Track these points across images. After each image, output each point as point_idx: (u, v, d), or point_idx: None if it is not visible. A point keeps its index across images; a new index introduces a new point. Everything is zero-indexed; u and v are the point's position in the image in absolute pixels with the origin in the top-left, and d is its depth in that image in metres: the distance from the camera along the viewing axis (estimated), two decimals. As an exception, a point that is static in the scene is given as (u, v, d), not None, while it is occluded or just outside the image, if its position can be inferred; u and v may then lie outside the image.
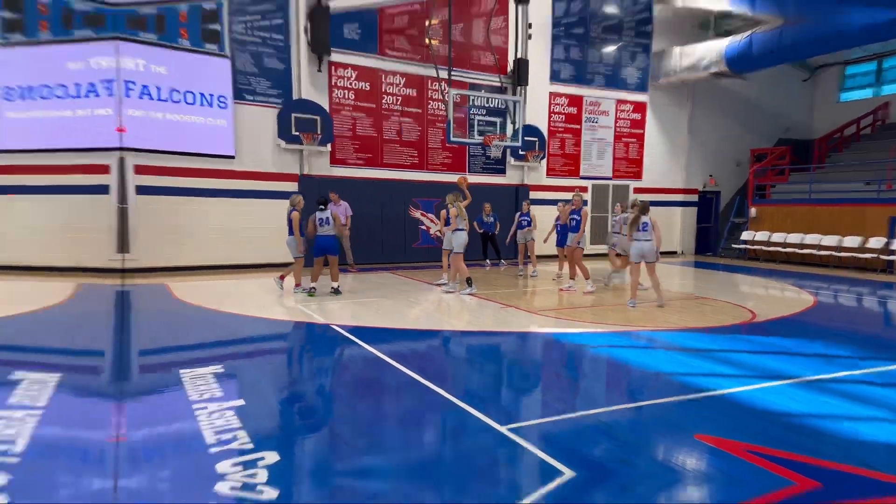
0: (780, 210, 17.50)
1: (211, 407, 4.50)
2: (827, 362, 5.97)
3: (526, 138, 15.93)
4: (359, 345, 6.57)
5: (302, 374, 5.94)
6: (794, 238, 16.71)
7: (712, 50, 16.88)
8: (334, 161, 14.66)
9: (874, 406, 4.61)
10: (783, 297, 10.72)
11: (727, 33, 17.43)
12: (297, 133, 13.72)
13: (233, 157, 13.55)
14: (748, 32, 16.05)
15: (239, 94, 13.58)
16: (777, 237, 17.19)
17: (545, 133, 17.11)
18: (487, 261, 14.72)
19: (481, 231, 14.54)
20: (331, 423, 4.42)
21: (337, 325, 7.56)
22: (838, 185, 17.11)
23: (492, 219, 14.46)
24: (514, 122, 14.96)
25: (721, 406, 4.53)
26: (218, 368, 5.55)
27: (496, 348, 6.92)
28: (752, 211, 18.21)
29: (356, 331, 7.28)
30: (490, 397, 5.04)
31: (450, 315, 8.75)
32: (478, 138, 14.58)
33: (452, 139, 14.18)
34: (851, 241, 15.36)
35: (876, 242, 14.85)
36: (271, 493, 3.19)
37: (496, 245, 14.64)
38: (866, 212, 15.27)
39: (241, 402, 4.64)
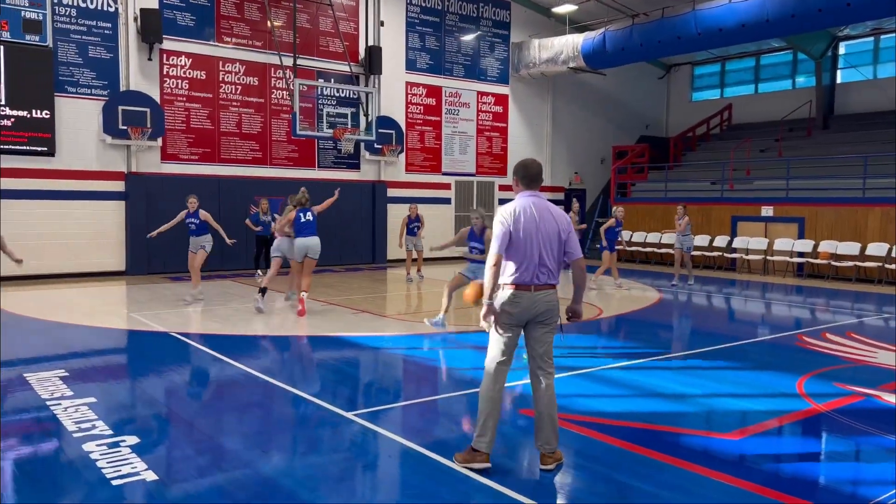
0: (639, 209, 20.52)
1: (65, 403, 5.64)
2: (615, 355, 8.13)
3: (381, 131, 17.59)
4: (199, 349, 7.83)
5: (146, 374, 7.11)
6: (653, 237, 19.73)
7: (569, 44, 19.54)
8: (166, 157, 15.46)
9: (619, 387, 6.71)
10: (632, 296, 13.18)
11: (583, 28, 20.18)
12: (125, 127, 14.41)
13: (52, 155, 14.00)
14: (602, 29, 18.84)
15: (60, 87, 14.07)
16: (637, 237, 20.16)
17: (403, 125, 18.86)
18: (259, 271, 14.89)
19: (258, 232, 14.60)
20: (184, 413, 5.73)
21: (176, 333, 8.72)
22: (690, 184, 20.42)
23: (269, 218, 14.62)
24: (367, 114, 16.59)
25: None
26: (63, 372, 6.62)
27: (327, 349, 8.46)
28: (616, 210, 21.10)
29: (195, 337, 8.50)
30: (335, 392, 6.59)
31: (293, 321, 10.15)
32: (327, 131, 16.04)
33: (299, 132, 15.55)
34: (701, 240, 18.50)
35: (721, 241, 18.11)
36: (140, 464, 4.49)
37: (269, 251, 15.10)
38: (712, 211, 18.53)
39: (92, 399, 5.81)
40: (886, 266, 14.94)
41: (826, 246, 15.93)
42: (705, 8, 16.78)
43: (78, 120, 14.34)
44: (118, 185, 14.86)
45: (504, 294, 4.30)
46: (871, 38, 20.82)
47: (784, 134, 21.26)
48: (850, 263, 15.40)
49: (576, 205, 17.53)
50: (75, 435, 4.91)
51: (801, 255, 16.49)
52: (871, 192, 15.90)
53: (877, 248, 15.16)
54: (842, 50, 21.51)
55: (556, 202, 22.51)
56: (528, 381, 4.48)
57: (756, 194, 18.27)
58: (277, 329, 9.50)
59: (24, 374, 6.53)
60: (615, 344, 8.94)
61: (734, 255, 17.72)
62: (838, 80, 21.61)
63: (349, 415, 5.43)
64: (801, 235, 16.68)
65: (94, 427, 5.08)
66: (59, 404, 5.62)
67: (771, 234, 17.34)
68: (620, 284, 13.99)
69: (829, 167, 17.90)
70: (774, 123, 22.09)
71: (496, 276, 4.25)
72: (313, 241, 10.27)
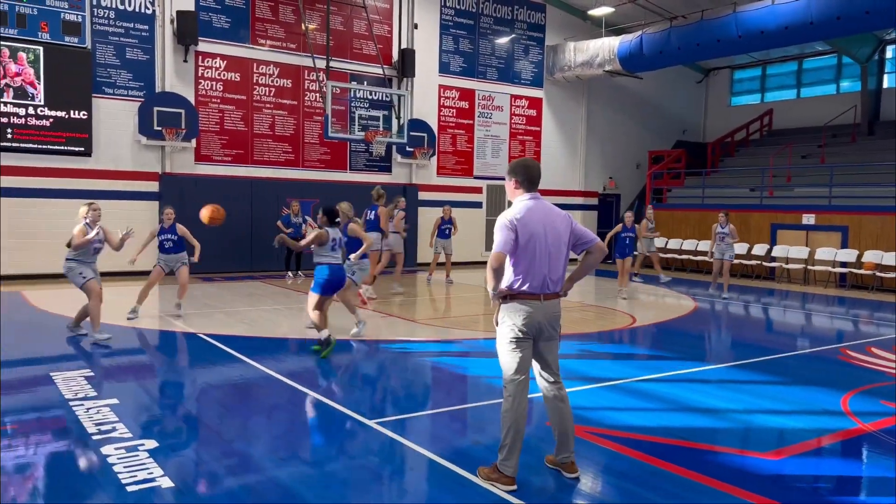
0: (675, 215, 20.12)
1: (87, 404, 5.61)
2: (647, 365, 7.88)
3: (413, 134, 17.50)
4: (227, 352, 7.78)
5: (172, 377, 7.08)
6: (689, 245, 19.31)
7: (605, 47, 19.24)
8: (199, 158, 15.57)
9: (651, 400, 6.46)
10: (667, 304, 12.87)
11: (619, 31, 19.87)
12: (160, 128, 14.54)
13: (89, 155, 14.19)
14: (639, 32, 18.52)
15: (98, 88, 14.27)
16: (673, 244, 19.77)
17: (435, 129, 18.76)
18: (289, 273, 14.93)
19: (289, 233, 14.29)
20: (205, 417, 5.65)
21: (204, 334, 8.70)
22: (728, 190, 19.95)
23: (301, 219, 14.72)
24: (399, 117, 16.52)
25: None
26: (88, 372, 6.61)
27: (353, 353, 8.35)
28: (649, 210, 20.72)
29: (223, 339, 8.46)
30: (358, 398, 6.47)
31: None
32: (359, 134, 15.99)
33: (331, 134, 15.53)
34: (739, 248, 18.06)
35: (759, 249, 17.64)
36: (157, 470, 4.42)
37: (300, 253, 14.42)
38: (751, 218, 18.06)
39: (115, 400, 5.77)
40: (934, 278, 14.38)
41: (871, 256, 15.40)
42: (747, 10, 16.38)
43: (114, 121, 14.51)
44: (152, 186, 15.00)
45: (513, 306, 4.10)
46: (921, 42, 20.14)
47: (827, 140, 20.67)
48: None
49: (650, 211, 16.96)
50: (95, 437, 4.86)
51: (843, 265, 15.96)
52: (918, 200, 15.34)
53: (924, 259, 14.61)
54: (888, 54, 20.83)
55: (589, 208, 22.32)
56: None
57: (797, 202, 17.76)
58: (305, 332, 9.43)
59: (51, 373, 6.54)
60: (648, 354, 8.68)
61: (773, 264, 17.24)
62: (885, 85, 20.93)
63: (372, 423, 5.31)
64: (844, 245, 16.15)
65: (114, 429, 5.03)
66: (82, 405, 5.59)
67: (812, 242, 16.83)
68: (623, 294, 13.13)
69: (875, 174, 17.33)
70: (817, 129, 21.50)
71: (499, 277, 4.05)
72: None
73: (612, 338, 9.47)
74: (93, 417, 5.28)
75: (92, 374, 6.61)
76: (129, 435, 4.92)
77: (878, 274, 15.11)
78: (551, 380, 4.25)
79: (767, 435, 5.37)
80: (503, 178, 20.83)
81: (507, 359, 4.16)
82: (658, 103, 23.57)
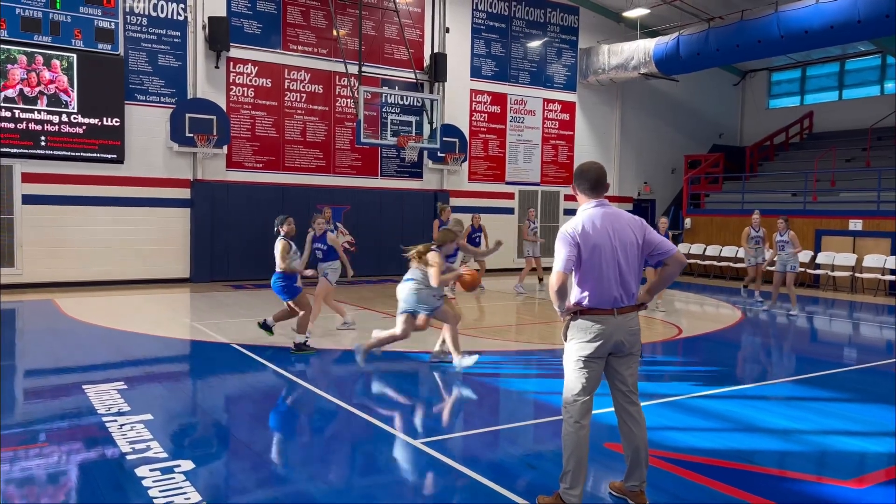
0: (713, 221, 19.58)
1: (121, 420, 5.38)
2: (703, 380, 7.48)
3: (445, 139, 17.21)
4: (260, 363, 7.53)
5: (206, 390, 6.84)
6: (728, 251, 18.76)
7: (640, 50, 18.81)
8: (231, 165, 15.43)
9: (712, 418, 6.06)
10: (713, 313, 12.42)
11: (654, 33, 19.42)
12: (192, 135, 14.43)
13: (121, 162, 14.13)
14: (675, 34, 18.06)
15: (130, 95, 14.22)
16: (711, 250, 19.22)
17: (466, 133, 18.47)
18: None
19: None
20: (242, 435, 5.39)
21: (237, 345, 8.47)
22: (769, 195, 19.36)
23: (332, 227, 13.68)
24: (431, 122, 16.24)
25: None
26: (122, 385, 6.39)
27: (396, 367, 8.05)
28: (687, 222, 20.24)
29: (256, 350, 8.22)
30: (402, 415, 6.16)
31: (357, 335, 9.79)
32: (391, 139, 15.75)
33: (363, 140, 15.29)
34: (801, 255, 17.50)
35: (803, 256, 17.02)
36: (194, 495, 4.15)
37: None
38: (794, 224, 17.44)
39: (149, 416, 5.53)
40: None
41: (922, 263, 14.78)
42: (789, 9, 15.86)
43: (146, 127, 14.44)
44: (184, 193, 14.89)
45: (583, 323, 3.77)
46: (970, 41, 19.39)
47: (872, 143, 19.98)
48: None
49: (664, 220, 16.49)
50: (129, 457, 4.61)
51: (893, 272, 15.33)
52: (973, 205, 14.69)
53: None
54: (936, 53, 20.12)
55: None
56: (612, 409, 3.97)
57: (842, 207, 17.15)
58: (340, 342, 9.17)
59: (84, 385, 6.33)
60: (701, 368, 8.26)
61: (818, 272, 16.64)
62: (932, 86, 20.23)
63: (417, 443, 4.99)
64: (894, 251, 15.52)
65: (148, 448, 4.77)
66: (115, 421, 5.35)
67: (859, 249, 16.20)
68: (661, 307, 12.35)
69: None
70: (860, 132, 20.82)
71: (563, 297, 3.74)
72: None
73: (660, 350, 9.06)
74: (126, 435, 5.04)
75: (125, 386, 6.39)
76: (165, 455, 4.66)
77: (931, 282, 14.48)
78: (627, 399, 3.90)
79: (846, 460, 4.96)
80: (535, 184, 20.66)
81: (573, 378, 3.83)
82: (693, 106, 23.04)
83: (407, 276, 7.25)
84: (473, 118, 18.79)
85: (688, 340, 9.67)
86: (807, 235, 17.23)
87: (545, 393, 6.68)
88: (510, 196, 19.44)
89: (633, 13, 18.99)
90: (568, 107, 20.40)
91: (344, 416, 5.73)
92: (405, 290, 7.14)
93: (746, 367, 8.45)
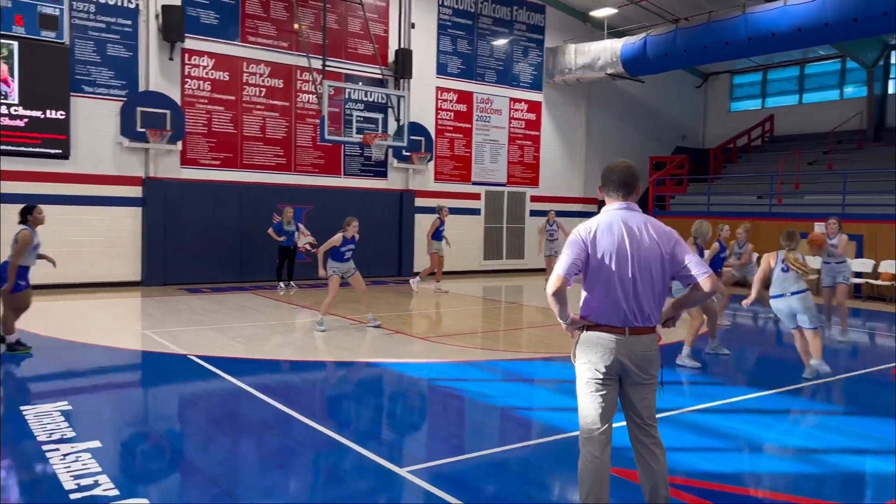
0: (679, 223, 19.39)
1: (64, 448, 4.72)
2: (695, 392, 7.13)
3: (411, 138, 16.68)
4: (223, 378, 6.91)
5: (162, 410, 6.20)
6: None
7: (607, 50, 18.57)
8: (186, 162, 14.64)
9: (717, 437, 5.69)
10: (687, 319, 12.13)
11: (621, 34, 19.22)
12: (143, 130, 13.61)
13: (66, 158, 13.24)
14: (643, 34, 17.87)
15: (76, 86, 13.34)
16: (676, 250, 19.08)
17: (432, 132, 17.97)
18: (281, 283, 14.22)
19: (281, 242, 14.01)
20: (204, 464, 4.79)
21: (195, 356, 7.81)
22: (733, 197, 19.33)
23: (293, 227, 14.11)
24: (398, 119, 15.71)
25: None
26: (65, 405, 5.71)
27: (370, 380, 7.51)
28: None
29: (217, 362, 7.58)
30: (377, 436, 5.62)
31: (324, 343, 9.22)
32: (356, 137, 15.15)
33: (327, 137, 14.69)
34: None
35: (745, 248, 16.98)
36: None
37: (293, 263, 14.35)
38: (760, 227, 17.42)
39: (97, 443, 4.89)
40: (957, 289, 13.80)
41: (888, 266, 14.81)
42: (757, 11, 15.77)
43: (94, 121, 13.56)
44: (135, 191, 14.04)
45: (591, 339, 3.34)
46: (927, 47, 19.70)
47: (832, 146, 20.14)
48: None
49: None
50: (73, 495, 4.00)
51: (859, 275, 15.35)
52: (937, 209, 14.78)
53: (946, 270, 14.03)
54: (894, 59, 20.38)
55: (588, 215, 21.52)
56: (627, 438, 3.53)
57: (808, 209, 17.17)
58: (307, 352, 8.59)
59: (21, 407, 5.64)
60: (690, 378, 7.91)
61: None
62: (890, 91, 20.47)
63: (403, 471, 4.48)
64: (859, 254, 15.55)
65: (96, 485, 4.16)
66: (58, 450, 4.70)
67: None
68: None
69: (889, 181, 16.77)
70: (820, 135, 20.99)
71: (562, 303, 3.31)
72: None
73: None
74: (70, 467, 4.40)
75: (69, 406, 5.71)
76: (115, 492, 4.05)
77: (897, 285, 14.52)
78: (644, 433, 3.45)
79: (869, 483, 4.61)
80: (502, 185, 20.25)
81: (586, 404, 3.38)
82: (657, 108, 22.95)
83: None
84: (439, 116, 18.29)
85: (670, 348, 9.32)
86: (773, 238, 17.15)
87: (539, 409, 6.23)
88: (476, 196, 19.00)
89: (601, 13, 18.76)
90: (534, 106, 20.07)
91: (321, 442, 5.17)
92: None
93: (734, 376, 8.13)
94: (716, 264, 9.56)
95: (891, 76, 20.42)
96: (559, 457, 4.90)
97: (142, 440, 5.25)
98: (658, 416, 5.69)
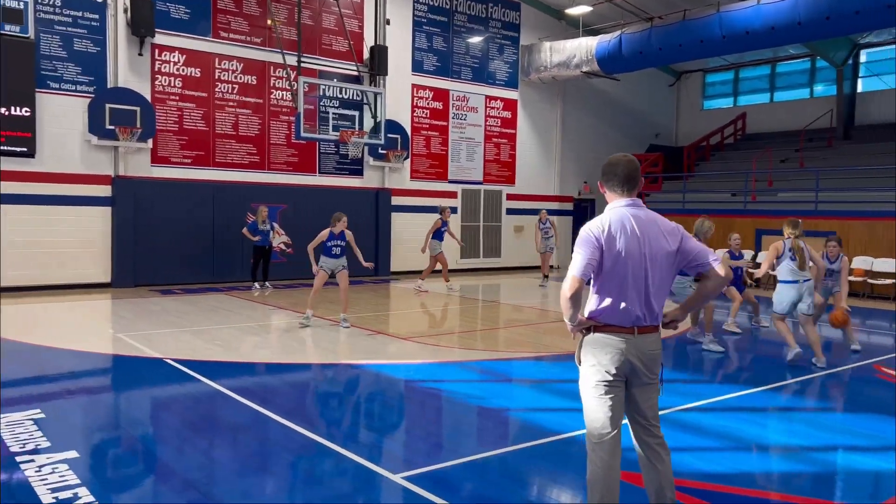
0: (653, 219, 19.56)
1: (39, 459, 4.51)
2: (681, 390, 7.11)
3: (387, 135, 16.52)
4: (201, 381, 6.71)
5: (139, 417, 5.99)
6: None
7: (583, 48, 18.59)
8: (156, 160, 14.31)
9: (707, 436, 5.66)
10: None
11: (595, 32, 19.26)
12: (112, 127, 13.26)
13: (32, 156, 12.85)
14: (618, 32, 17.92)
15: (42, 82, 12.97)
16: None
17: (408, 130, 17.82)
18: (256, 284, 14.04)
19: (256, 242, 13.83)
20: (186, 472, 4.62)
21: (171, 360, 7.59)
22: (709, 195, 19.50)
23: (268, 227, 13.94)
24: (374, 116, 15.53)
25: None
26: (38, 413, 5.48)
27: (354, 382, 7.37)
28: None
29: (195, 365, 7.37)
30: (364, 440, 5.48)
31: (304, 344, 9.05)
32: (333, 134, 14.95)
33: (302, 135, 14.45)
34: (720, 253, 17.61)
35: (745, 255, 17.15)
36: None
37: (268, 263, 14.18)
38: (734, 224, 17.59)
39: (73, 453, 4.68)
40: (928, 285, 14.05)
41: (860, 262, 15.03)
42: (732, 10, 15.89)
43: (61, 118, 13.18)
44: (104, 190, 13.69)
45: (598, 340, 3.26)
46: (894, 47, 20.04)
47: (804, 144, 20.42)
48: (889, 281, 14.49)
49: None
50: (51, 510, 3.80)
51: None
52: (906, 205, 15.04)
53: (916, 266, 14.28)
54: (863, 58, 20.74)
55: (564, 213, 21.61)
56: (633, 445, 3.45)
57: (781, 207, 17.37)
58: (288, 354, 8.40)
59: (-9, 417, 5.40)
60: (674, 376, 7.89)
61: (759, 271, 16.76)
62: (859, 89, 20.81)
63: (397, 478, 4.35)
64: (831, 251, 15.74)
65: (76, 497, 3.97)
66: (33, 461, 4.49)
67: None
68: None
69: (860, 179, 17.06)
70: (791, 133, 21.28)
71: (576, 307, 3.22)
72: None
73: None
74: (47, 480, 4.20)
75: (42, 415, 5.48)
76: (96, 505, 3.87)
77: (869, 280, 14.74)
78: (648, 433, 3.38)
79: (863, 481, 4.59)
80: (478, 183, 20.16)
81: (593, 408, 3.28)
82: (630, 106, 23.07)
83: None
84: (415, 114, 18.15)
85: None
86: (747, 235, 17.35)
87: (530, 410, 6.14)
88: (453, 195, 18.90)
89: (576, 10, 18.76)
90: (510, 104, 20.02)
91: (309, 447, 5.02)
92: None
93: (718, 374, 8.14)
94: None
95: (860, 75, 20.76)
96: (554, 460, 4.82)
97: (120, 449, 5.05)
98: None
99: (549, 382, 7.15)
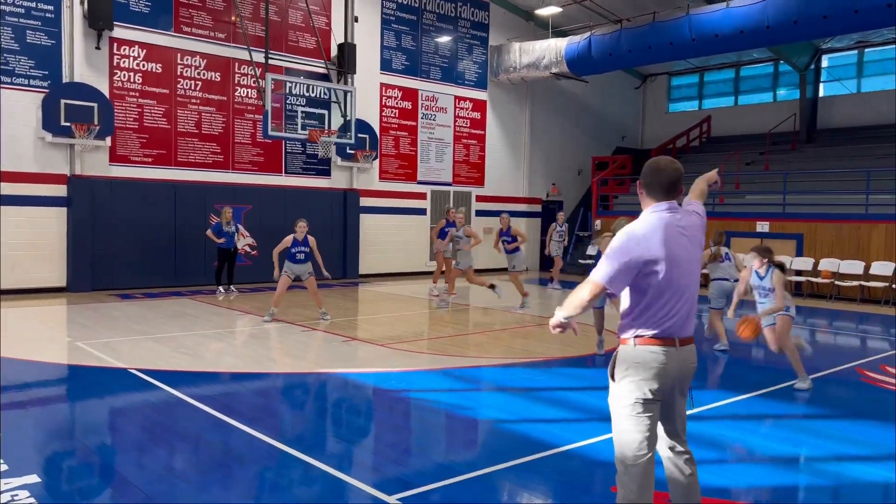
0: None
1: (-4, 487, 4.10)
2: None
3: (356, 135, 16.15)
4: (171, 394, 6.31)
5: (105, 435, 5.57)
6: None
7: (552, 49, 18.49)
8: (115, 158, 13.72)
9: (709, 447, 5.49)
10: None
11: (564, 33, 19.18)
12: (68, 124, 12.64)
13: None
14: (587, 34, 17.85)
15: (-10, 75, 12.34)
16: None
17: (377, 130, 17.48)
18: (221, 288, 13.51)
19: (220, 244, 13.27)
20: (158, 495, 4.25)
21: (137, 370, 7.16)
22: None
23: (233, 228, 13.41)
24: (344, 115, 15.13)
25: (574, 462, 5.11)
26: (-8, 435, 5.03)
27: (334, 392, 7.04)
28: (598, 223, 20.13)
29: (162, 376, 6.96)
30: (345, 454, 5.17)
31: (275, 352, 8.68)
32: (302, 133, 14.52)
33: (270, 133, 14.02)
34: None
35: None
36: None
37: (233, 266, 13.64)
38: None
39: (34, 477, 4.28)
40: (894, 286, 14.24)
41: (827, 264, 15.19)
42: (701, 12, 15.95)
43: (13, 114, 12.49)
44: (59, 190, 13.05)
45: (640, 354, 3.01)
46: (855, 52, 20.42)
47: (769, 147, 20.66)
48: (855, 283, 14.67)
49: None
50: (12, 545, 3.42)
51: (799, 273, 15.71)
52: (872, 208, 15.25)
53: (882, 268, 14.46)
54: (824, 63, 21.07)
55: (533, 215, 21.46)
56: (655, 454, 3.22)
57: (749, 209, 17.51)
58: (260, 363, 8.01)
59: (-60, 438, 4.93)
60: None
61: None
62: (821, 94, 21.14)
63: (392, 499, 4.05)
64: (799, 253, 15.92)
65: (38, 528, 3.58)
66: (-11, 488, 4.08)
67: (766, 250, 16.53)
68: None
69: (827, 181, 17.28)
70: (755, 136, 21.50)
71: (583, 311, 3.01)
72: None
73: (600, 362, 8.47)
74: (5, 509, 3.81)
75: (-3, 435, 5.04)
76: (63, 538, 3.49)
77: (836, 283, 14.90)
78: (678, 447, 3.16)
79: (872, 492, 4.45)
80: (447, 184, 19.88)
81: (629, 429, 3.03)
82: (597, 109, 23.08)
83: None
84: (384, 114, 17.81)
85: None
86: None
87: (523, 422, 5.88)
88: (422, 196, 18.60)
89: (545, 11, 18.65)
90: (479, 105, 19.82)
91: (288, 466, 4.69)
92: None
93: (703, 380, 8.00)
94: None
95: (822, 80, 21.08)
96: (554, 477, 4.57)
97: (85, 472, 4.65)
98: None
99: (537, 391, 6.92)
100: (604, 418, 5.71)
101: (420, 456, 5.04)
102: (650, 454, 3.01)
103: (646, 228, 3.01)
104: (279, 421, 5.88)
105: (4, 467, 4.40)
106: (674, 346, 3.00)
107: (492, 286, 12.01)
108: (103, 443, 5.29)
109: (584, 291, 2.98)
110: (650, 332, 3.00)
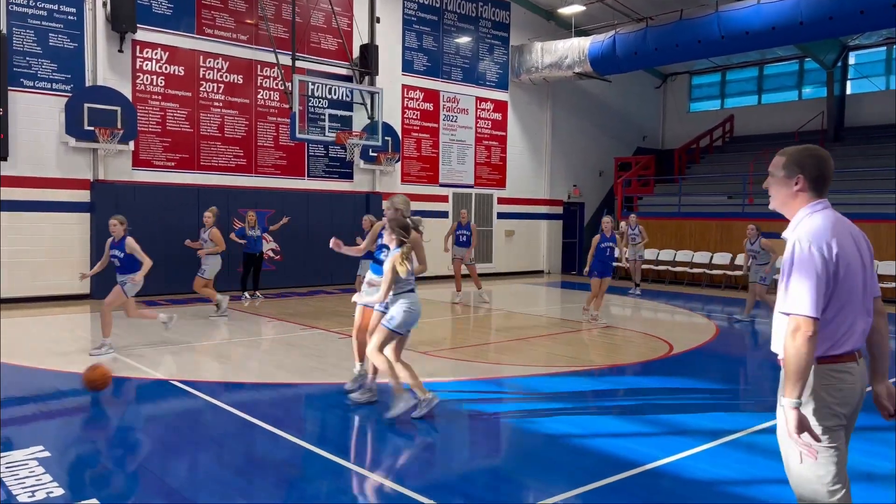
0: (648, 224, 19.22)
1: (55, 513, 3.82)
2: (748, 408, 6.63)
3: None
4: (224, 410, 6.02)
5: (161, 450, 5.29)
6: (665, 255, 18.45)
7: (575, 48, 18.19)
8: (138, 163, 13.49)
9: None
10: (685, 323, 11.76)
11: (586, 32, 18.87)
12: (91, 128, 12.41)
13: (5, 159, 11.94)
14: (612, 32, 17.55)
15: (15, 80, 12.05)
16: (648, 254, 18.84)
17: (399, 132, 17.21)
18: (246, 293, 13.39)
19: (244, 246, 13.07)
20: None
21: (178, 381, 6.88)
22: (703, 198, 19.24)
23: (258, 232, 13.18)
24: (371, 117, 14.88)
25: (669, 482, 4.80)
26: (41, 451, 4.74)
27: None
28: (622, 225, 19.79)
29: (208, 388, 6.68)
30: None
31: (321, 362, 8.40)
32: (329, 135, 14.26)
33: (298, 136, 13.77)
34: (721, 257, 17.32)
35: (743, 259, 16.91)
36: None
37: (259, 271, 13.44)
38: (733, 227, 17.34)
39: (94, 501, 3.99)
40: (934, 287, 13.89)
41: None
42: (730, 9, 15.63)
43: (35, 118, 12.29)
44: (83, 195, 12.82)
45: (827, 374, 2.59)
46: (884, 48, 20.06)
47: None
48: (891, 285, 14.32)
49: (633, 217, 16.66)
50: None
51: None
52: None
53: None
54: (852, 60, 20.71)
55: (554, 217, 21.17)
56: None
57: (780, 209, 17.14)
58: (303, 374, 7.71)
59: (-14, 458, 4.64)
60: (730, 390, 7.40)
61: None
62: (848, 91, 20.78)
63: (480, 525, 3.75)
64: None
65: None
66: (46, 515, 3.80)
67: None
68: (595, 317, 11.15)
69: (857, 180, 16.93)
70: (780, 135, 21.12)
71: (813, 358, 2.51)
72: None
73: (667, 369, 8.15)
74: (69, 539, 3.52)
75: (47, 453, 4.75)
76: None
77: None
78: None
79: None
80: (469, 186, 19.59)
81: (819, 463, 2.57)
82: (617, 109, 22.76)
83: None
84: (406, 115, 17.55)
85: (689, 357, 8.84)
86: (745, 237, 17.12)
87: (598, 436, 5.56)
88: (444, 199, 18.33)
89: (568, 10, 18.37)
90: (500, 106, 19.54)
91: (354, 483, 4.40)
92: None
93: (765, 387, 7.69)
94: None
95: (849, 77, 20.73)
96: (652, 498, 4.26)
97: (146, 494, 4.35)
98: (725, 440, 5.16)
99: (597, 401, 6.61)
100: (681, 432, 5.44)
101: (507, 481, 4.73)
102: (844, 489, 2.61)
103: (829, 230, 2.60)
104: (344, 438, 5.58)
105: (59, 490, 4.12)
106: (855, 362, 2.64)
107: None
108: (163, 463, 5.00)
109: (799, 341, 2.46)
110: (839, 350, 2.62)
